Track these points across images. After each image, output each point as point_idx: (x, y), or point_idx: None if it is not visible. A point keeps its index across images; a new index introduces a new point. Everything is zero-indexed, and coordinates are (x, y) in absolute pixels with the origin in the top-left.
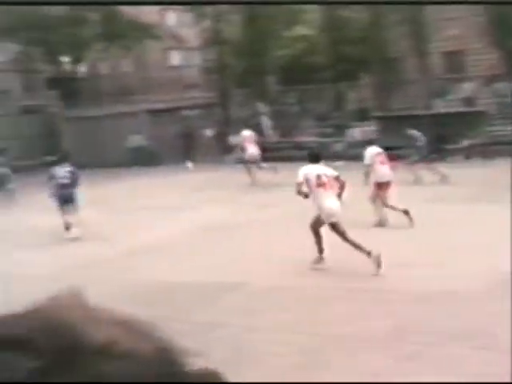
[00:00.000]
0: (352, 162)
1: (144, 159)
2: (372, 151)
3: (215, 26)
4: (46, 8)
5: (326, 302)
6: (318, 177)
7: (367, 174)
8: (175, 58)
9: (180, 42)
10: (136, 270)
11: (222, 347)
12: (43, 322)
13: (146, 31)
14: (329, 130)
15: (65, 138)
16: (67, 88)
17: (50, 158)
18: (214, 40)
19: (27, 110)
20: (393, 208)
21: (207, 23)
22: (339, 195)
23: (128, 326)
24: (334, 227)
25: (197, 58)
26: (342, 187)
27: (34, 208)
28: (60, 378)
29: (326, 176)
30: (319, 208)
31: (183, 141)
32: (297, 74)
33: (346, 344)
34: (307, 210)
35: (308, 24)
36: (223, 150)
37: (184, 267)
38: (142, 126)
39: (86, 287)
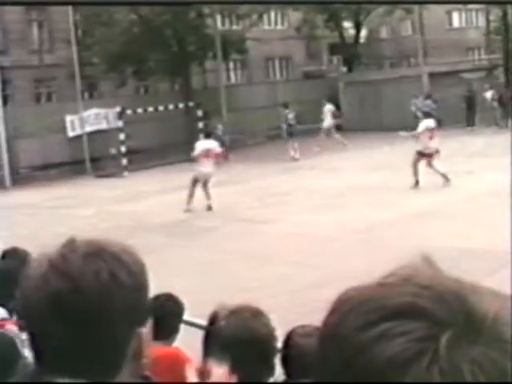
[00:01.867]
0: None
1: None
2: None
3: None
4: None
5: None
6: None
7: None
8: (457, 20)
9: (462, 4)
10: (414, 235)
11: None
12: (429, 290)
13: None
14: None
15: (346, 102)
16: (349, 53)
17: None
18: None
19: (309, 75)
20: None
21: None
22: None
23: (497, 294)
24: None
25: (480, 20)
26: None
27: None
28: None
29: None
30: None
31: (465, 104)
32: None
33: None
34: None
35: None
36: (506, 114)
37: (463, 233)
38: (423, 89)
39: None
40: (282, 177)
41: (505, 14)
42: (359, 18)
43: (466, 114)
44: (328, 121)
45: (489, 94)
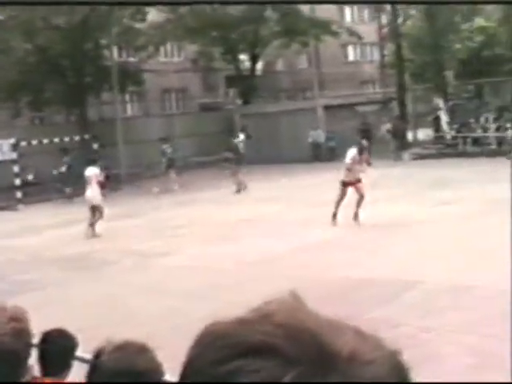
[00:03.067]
0: None
1: (323, 155)
2: None
3: (393, 20)
4: (224, 8)
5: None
6: None
7: None
8: (352, 54)
9: (357, 38)
10: (311, 265)
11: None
12: (283, 328)
13: (324, 28)
14: (508, 125)
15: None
16: (245, 85)
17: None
18: (391, 35)
19: (206, 108)
20: None
21: (385, 18)
22: None
23: (363, 334)
24: None
25: (374, 54)
26: None
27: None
28: None
29: None
30: None
31: (360, 136)
32: (475, 67)
33: None
34: (484, 208)
35: (487, 16)
36: (400, 146)
37: (360, 263)
38: (318, 121)
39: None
40: (178, 209)
41: (399, 48)
42: (255, 50)
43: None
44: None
45: (385, 127)
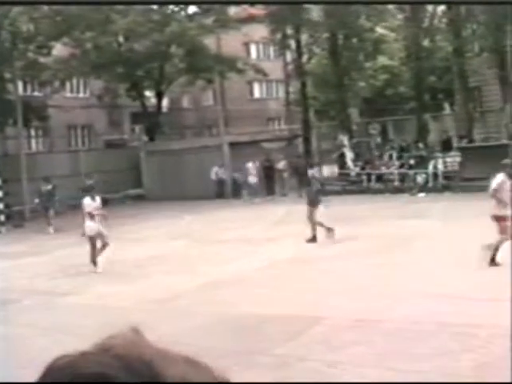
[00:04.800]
0: (435, 194)
1: (227, 192)
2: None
3: (298, 58)
4: (130, 43)
5: (413, 337)
6: None
7: None
8: (258, 91)
9: (263, 75)
10: (218, 302)
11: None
12: (120, 360)
13: (229, 65)
14: (412, 162)
15: (147, 171)
16: (150, 122)
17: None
18: (296, 72)
19: (111, 145)
20: None
21: (290, 56)
22: None
23: (193, 362)
24: None
25: (279, 91)
26: None
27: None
28: None
29: None
30: None
31: (264, 173)
32: (379, 105)
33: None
34: (389, 244)
35: (390, 55)
36: (303, 183)
37: (266, 300)
38: (224, 158)
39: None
40: (83, 247)
41: (303, 86)
42: (161, 87)
43: (266, 183)
44: None
45: (281, 165)
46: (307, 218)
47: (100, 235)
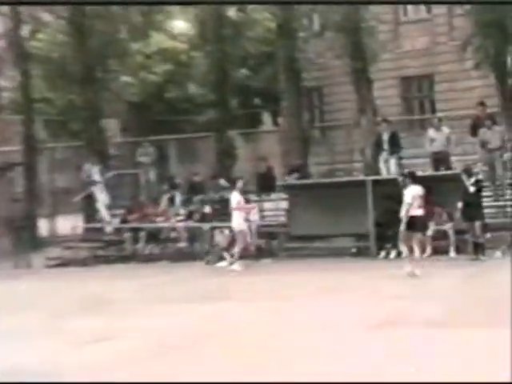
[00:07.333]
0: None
1: None
2: None
3: (14, 30)
4: None
5: None
6: None
7: None
8: None
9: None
10: None
11: None
12: None
13: None
14: (207, 209)
15: None
16: None
17: None
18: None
19: None
20: None
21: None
22: None
23: None
24: None
25: None
26: None
27: None
28: None
29: None
30: None
31: None
32: (155, 114)
33: None
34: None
35: (174, 31)
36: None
37: None
38: None
39: None
40: None
41: (25, 78)
42: None
43: None
44: None
45: None
46: None
47: None
